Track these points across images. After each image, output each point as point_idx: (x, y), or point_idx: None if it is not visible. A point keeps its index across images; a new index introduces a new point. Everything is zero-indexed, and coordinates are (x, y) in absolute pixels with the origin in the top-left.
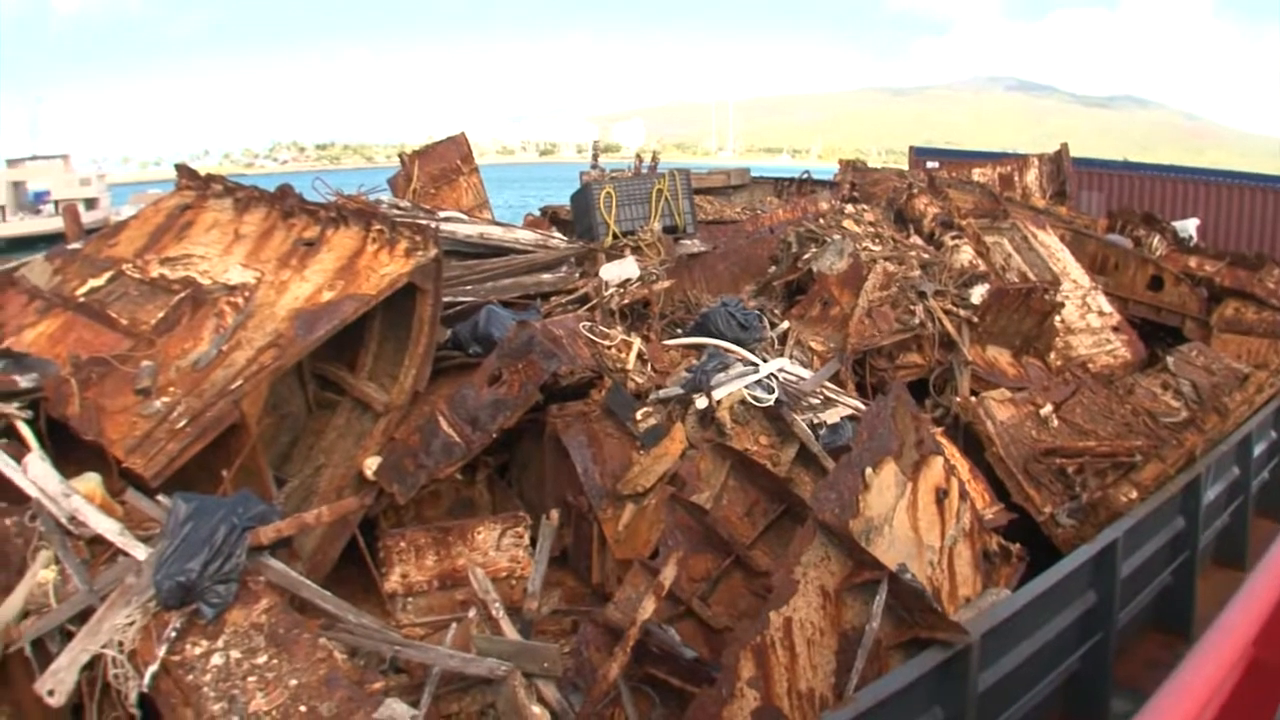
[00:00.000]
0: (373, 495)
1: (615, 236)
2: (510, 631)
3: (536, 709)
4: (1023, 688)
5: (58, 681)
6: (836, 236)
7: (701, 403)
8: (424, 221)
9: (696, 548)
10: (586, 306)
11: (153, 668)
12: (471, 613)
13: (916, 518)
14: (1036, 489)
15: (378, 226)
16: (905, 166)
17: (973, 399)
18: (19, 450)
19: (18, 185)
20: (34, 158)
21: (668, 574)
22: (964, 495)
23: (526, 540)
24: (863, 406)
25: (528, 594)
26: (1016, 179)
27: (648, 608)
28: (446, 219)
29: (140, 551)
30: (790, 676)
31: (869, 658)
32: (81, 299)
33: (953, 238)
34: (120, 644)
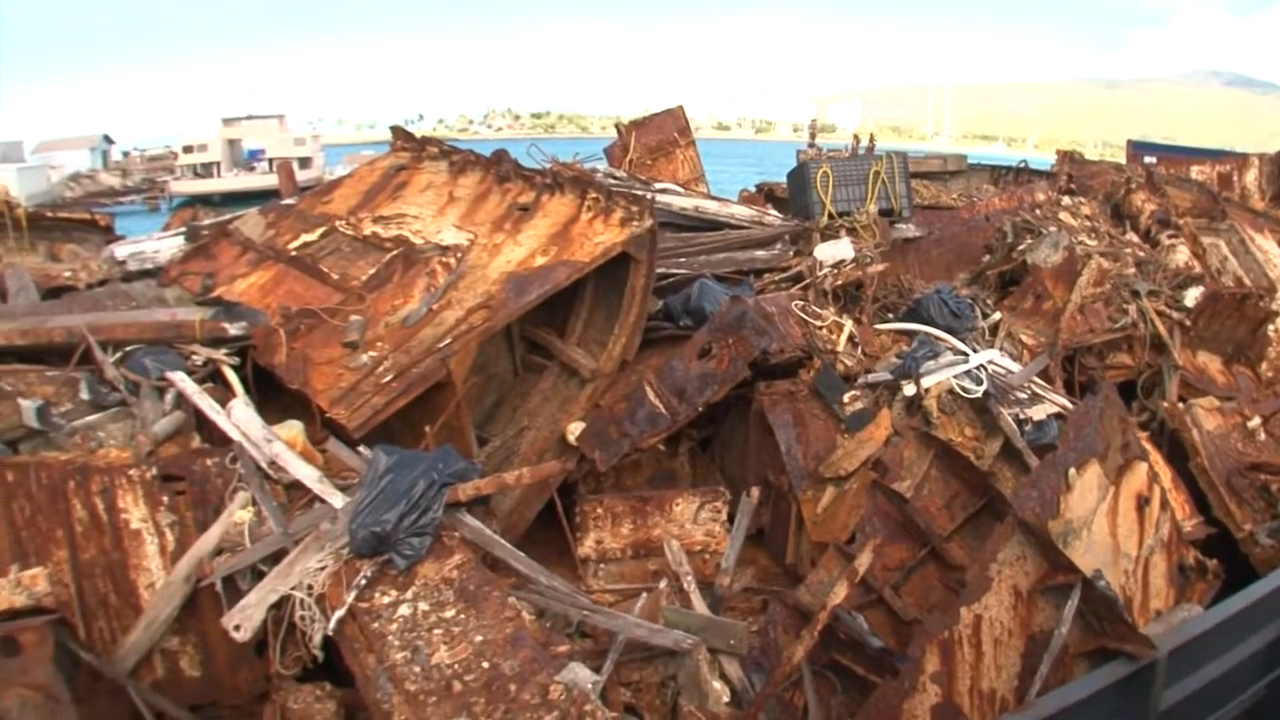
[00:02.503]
0: (574, 460)
1: (831, 217)
2: (700, 605)
3: (717, 684)
4: (1205, 710)
5: (245, 618)
6: (1052, 229)
7: (909, 390)
8: (640, 192)
9: (894, 536)
10: (799, 285)
11: (340, 612)
12: (663, 584)
13: (1116, 524)
14: (1238, 504)
15: (593, 194)
16: (1122, 160)
17: (1180, 405)
18: (224, 395)
19: (233, 143)
20: (249, 117)
21: (863, 560)
22: (1165, 505)
23: (724, 515)
24: (1070, 405)
25: (721, 569)
26: (1235, 179)
27: (840, 593)
28: (662, 190)
29: (337, 499)
30: (974, 675)
31: (1054, 663)
32: (293, 253)
33: (1169, 237)
34: (310, 587)
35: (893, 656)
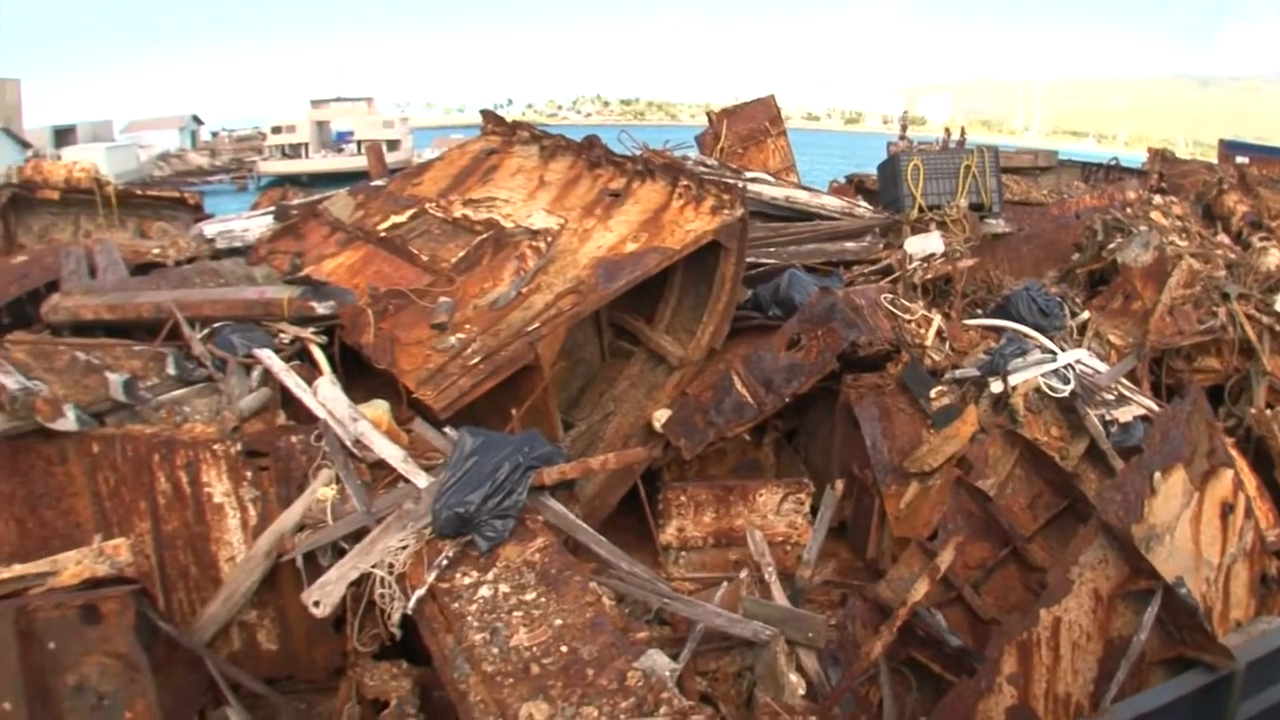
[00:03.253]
0: (660, 447)
1: (921, 210)
2: (780, 597)
3: (794, 677)
4: None
5: (325, 594)
6: (1143, 228)
7: (996, 387)
8: (731, 180)
9: (975, 534)
10: (889, 278)
11: (420, 591)
12: (743, 574)
13: (1199, 530)
14: None
15: (685, 182)
16: (1214, 159)
17: (1268, 412)
18: (311, 373)
19: (322, 125)
20: (338, 99)
21: (945, 558)
22: (1249, 513)
23: (807, 508)
24: (1156, 407)
25: (802, 561)
26: None
27: (920, 590)
28: (753, 179)
29: (421, 479)
30: (1050, 678)
31: (1131, 670)
32: (383, 234)
33: (1261, 239)
34: (391, 565)
35: (970, 656)
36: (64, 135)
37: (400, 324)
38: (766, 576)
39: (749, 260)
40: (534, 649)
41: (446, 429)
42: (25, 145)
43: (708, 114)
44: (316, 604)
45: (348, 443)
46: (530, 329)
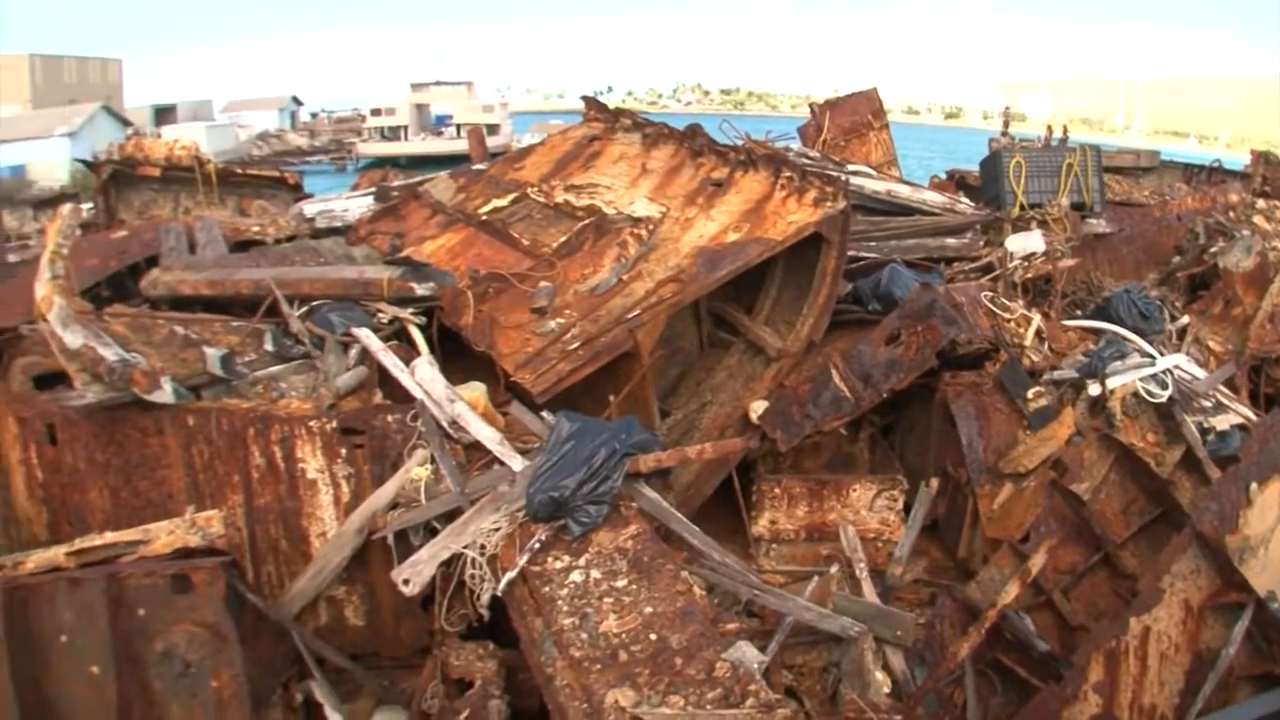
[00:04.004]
0: (757, 439)
1: (1022, 208)
2: (870, 593)
3: (879, 675)
4: None
5: (415, 572)
6: (1245, 232)
7: (1094, 389)
8: (834, 173)
9: (1068, 538)
10: (989, 276)
11: (511, 574)
12: (834, 568)
13: None
14: None
15: (787, 174)
16: None
17: None
18: (408, 354)
19: (421, 108)
20: (438, 83)
21: (1037, 561)
22: None
23: (900, 504)
24: (1254, 416)
25: (893, 559)
26: None
27: (1010, 592)
28: (855, 173)
29: (517, 463)
30: (1136, 688)
31: (1218, 684)
32: (484, 217)
33: None
34: (483, 547)
35: (1057, 662)
36: (164, 114)
37: (500, 307)
38: (858, 572)
39: (849, 254)
40: (623, 636)
41: (544, 413)
42: (126, 123)
43: (810, 106)
44: (406, 582)
45: (444, 423)
46: (630, 316)
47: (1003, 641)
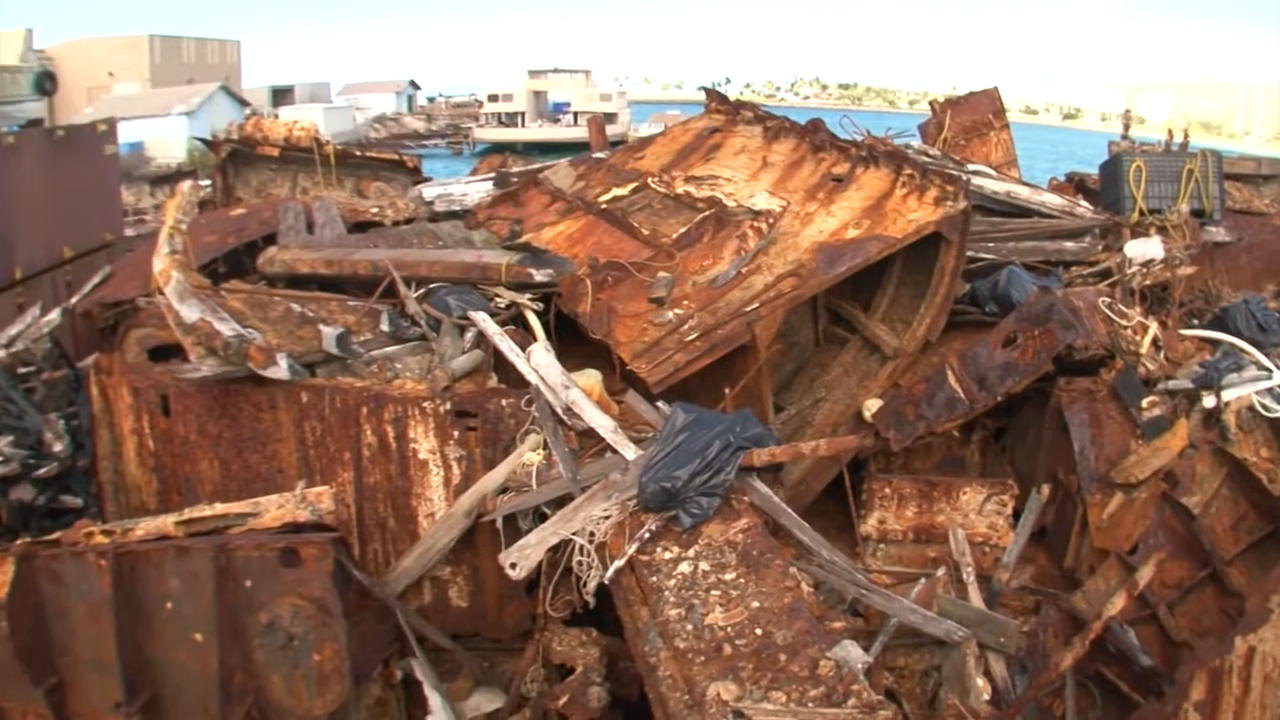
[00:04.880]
0: (870, 437)
1: (1141, 213)
2: (976, 598)
3: (980, 681)
4: None
5: (523, 557)
6: None
7: (1209, 401)
8: (955, 172)
9: (1176, 552)
10: (1107, 281)
11: (619, 562)
12: (940, 571)
13: None
14: None
15: (909, 171)
16: None
17: None
18: (524, 339)
19: (539, 94)
20: (556, 70)
21: (1145, 574)
22: None
23: (1009, 510)
24: None
25: (1000, 564)
26: None
27: (1116, 604)
28: (975, 172)
29: (630, 451)
30: (1238, 710)
31: None
32: (603, 205)
33: None
34: (591, 534)
35: (1159, 677)
36: (282, 95)
37: (618, 296)
38: (965, 576)
39: (968, 254)
40: (728, 629)
41: (659, 403)
42: (243, 103)
43: (930, 103)
44: (513, 566)
45: (558, 409)
46: (749, 309)
47: (1105, 654)
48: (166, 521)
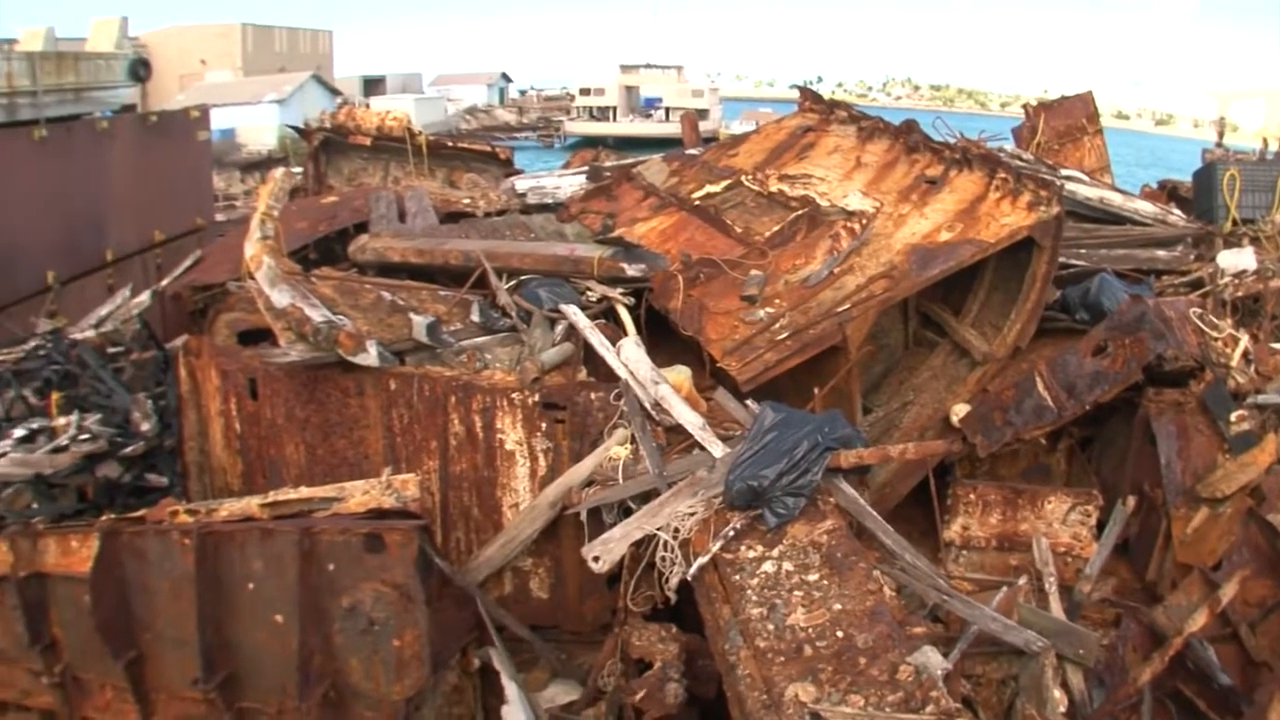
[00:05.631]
0: (958, 442)
1: (1235, 223)
2: (1057, 609)
3: (1058, 693)
4: None
5: (606, 550)
6: None
7: None
8: (1048, 176)
9: (1260, 570)
10: (1198, 292)
11: (703, 559)
12: (1022, 580)
13: None
14: None
15: (1002, 174)
16: None
17: None
18: (615, 333)
19: (630, 90)
20: (648, 66)
21: (1228, 591)
22: None
23: (1093, 520)
24: None
25: (1082, 575)
26: None
27: (1197, 621)
28: (1068, 177)
29: (718, 449)
30: None
31: None
32: (696, 202)
33: None
34: (676, 530)
35: (1238, 697)
36: (373, 85)
37: (710, 293)
38: (1047, 586)
39: (1059, 260)
40: (809, 630)
41: (748, 401)
42: (335, 92)
43: (1024, 107)
44: (596, 559)
45: (646, 405)
46: (840, 310)
47: (1184, 671)
48: (251, 503)
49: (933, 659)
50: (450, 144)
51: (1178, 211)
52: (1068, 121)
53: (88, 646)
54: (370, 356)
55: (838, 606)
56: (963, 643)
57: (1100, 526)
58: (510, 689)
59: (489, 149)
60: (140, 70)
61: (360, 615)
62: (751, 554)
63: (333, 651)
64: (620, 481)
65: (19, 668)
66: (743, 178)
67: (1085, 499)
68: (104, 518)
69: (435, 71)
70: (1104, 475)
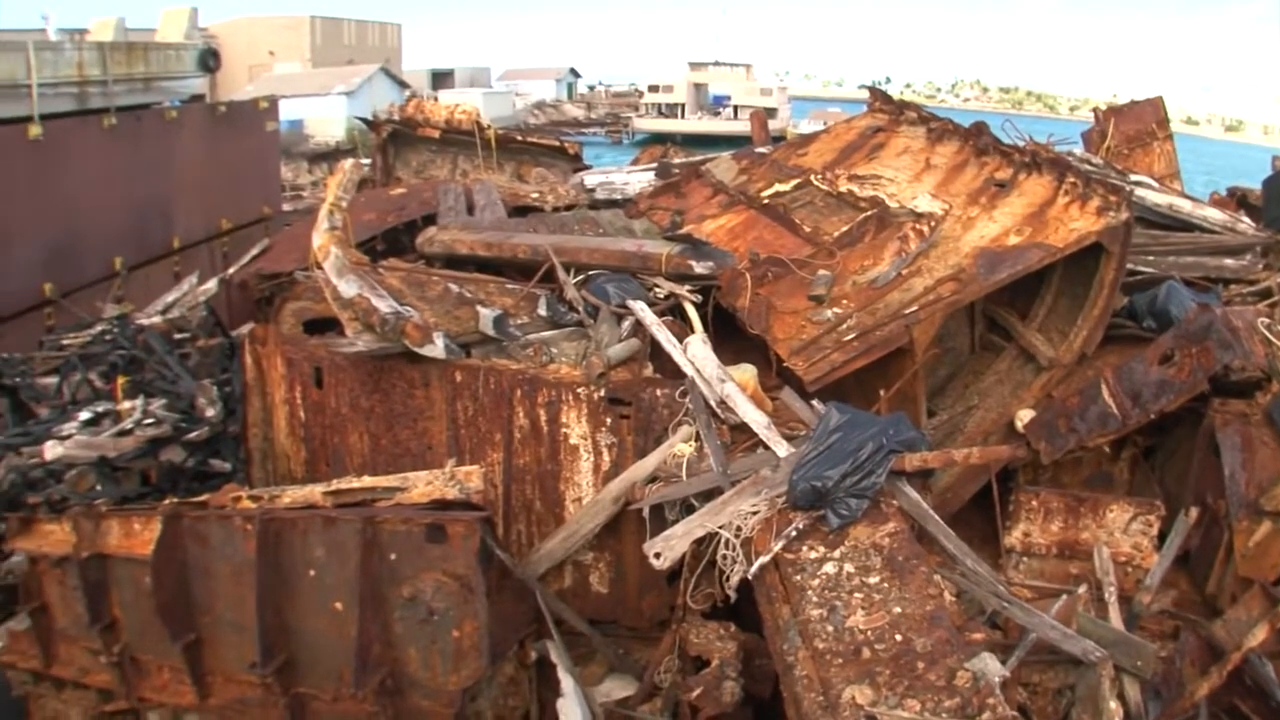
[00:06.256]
0: (1023, 448)
1: None
2: (1116, 619)
3: (1113, 704)
4: None
5: (668, 547)
6: None
7: None
8: (1118, 182)
9: None
10: (1266, 302)
11: (764, 559)
12: (1082, 589)
13: None
14: None
15: (1072, 179)
16: None
17: None
18: (682, 330)
19: (699, 87)
20: (716, 63)
21: None
22: None
23: (1155, 531)
24: None
25: (1142, 586)
26: None
27: (1257, 636)
28: (1137, 183)
29: (782, 448)
30: None
31: None
32: (765, 200)
33: None
34: (738, 529)
35: None
36: (441, 78)
37: (777, 292)
38: (1106, 596)
39: (1127, 266)
40: (869, 633)
41: (813, 401)
42: (403, 85)
43: (1093, 111)
44: (658, 555)
45: (712, 402)
46: (908, 312)
47: (1242, 686)
48: (314, 491)
49: (991, 665)
50: (519, 138)
51: (1247, 219)
52: (1137, 126)
53: (147, 628)
54: (437, 348)
55: (897, 610)
56: (1021, 650)
57: (1162, 537)
58: (566, 682)
59: (558, 144)
60: (210, 61)
61: (420, 605)
62: (813, 555)
63: (391, 640)
64: (684, 479)
65: (78, 646)
66: (812, 177)
67: (1147, 509)
68: (167, 501)
69: (503, 66)
70: (1167, 485)
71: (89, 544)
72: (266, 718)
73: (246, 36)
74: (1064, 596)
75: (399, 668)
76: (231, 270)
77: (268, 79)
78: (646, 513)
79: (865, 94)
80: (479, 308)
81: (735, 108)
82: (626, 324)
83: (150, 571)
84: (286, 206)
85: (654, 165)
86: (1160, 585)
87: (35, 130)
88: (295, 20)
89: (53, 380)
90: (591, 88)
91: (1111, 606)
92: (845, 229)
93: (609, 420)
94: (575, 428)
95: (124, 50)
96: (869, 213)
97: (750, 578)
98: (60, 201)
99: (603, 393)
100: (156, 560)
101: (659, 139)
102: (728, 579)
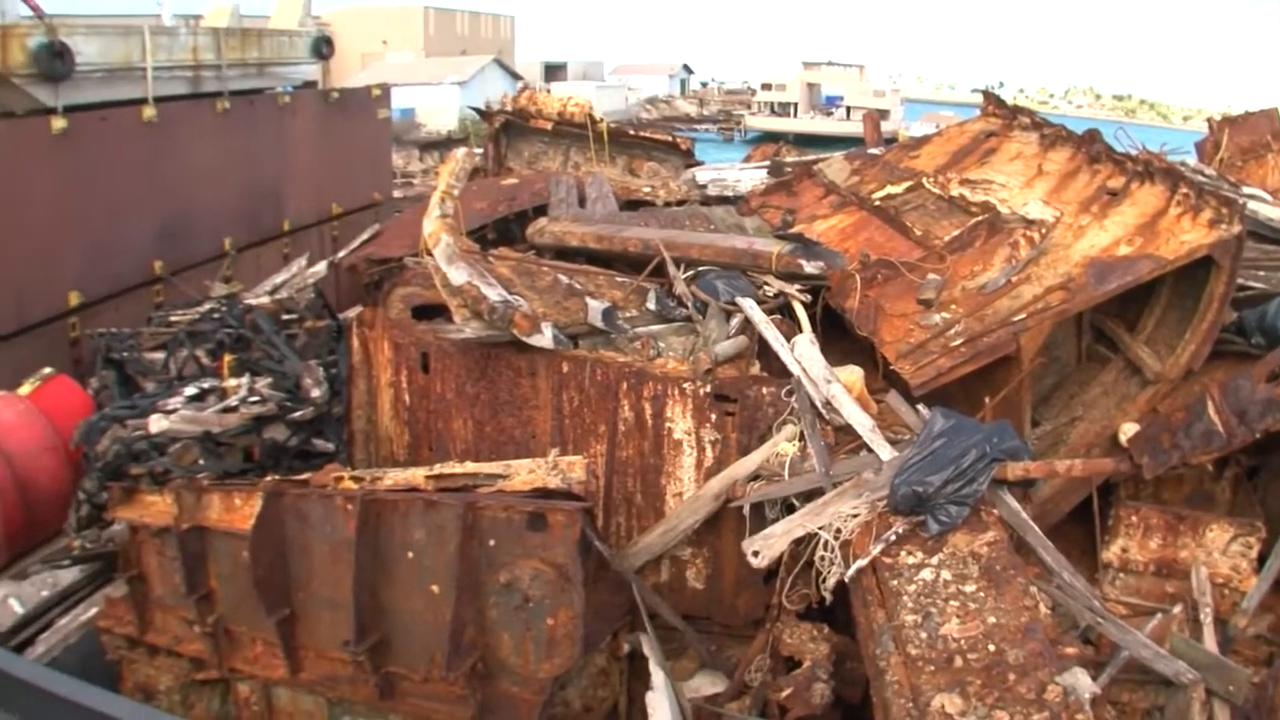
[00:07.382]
0: (1125, 462)
1: None
2: (1211, 642)
3: None
4: None
5: (767, 545)
6: None
7: None
8: (1230, 194)
9: None
10: None
11: (862, 562)
12: (1177, 609)
13: None
14: None
15: (1185, 189)
16: None
17: None
18: (790, 329)
19: (812, 87)
20: (830, 63)
21: None
22: None
23: (1255, 553)
24: None
25: (1239, 609)
26: None
27: None
28: (1250, 196)
29: (885, 451)
30: None
31: None
32: (877, 202)
33: None
34: (838, 531)
35: None
36: (554, 71)
37: (886, 294)
38: (1202, 617)
39: (1237, 281)
40: (962, 641)
41: (919, 406)
42: (515, 77)
43: (1208, 121)
44: (756, 554)
45: (817, 403)
46: (1016, 319)
47: None
48: (416, 474)
49: (1082, 681)
50: (631, 132)
51: None
52: (1252, 138)
53: (242, 601)
54: (545, 338)
55: (992, 620)
56: (1113, 667)
57: (1261, 559)
58: (657, 676)
59: (670, 139)
60: (323, 48)
61: (516, 592)
62: (911, 560)
63: (485, 625)
64: (786, 478)
65: (173, 615)
66: (924, 180)
67: (1248, 530)
68: (269, 478)
69: (616, 60)
70: (1269, 507)
71: (189, 516)
72: (356, 694)
73: (360, 25)
74: (1159, 615)
75: (491, 653)
76: (341, 254)
77: (380, 67)
78: (747, 510)
79: (978, 98)
80: (588, 299)
81: (848, 108)
82: (735, 321)
83: (249, 546)
84: (397, 193)
85: (766, 163)
86: (1257, 609)
87: (149, 112)
88: (409, 10)
89: (160, 355)
90: (704, 84)
91: (1206, 628)
92: (956, 233)
93: (714, 416)
94: (680, 422)
95: (238, 35)
96: (980, 218)
97: (847, 580)
98: (172, 182)
99: (708, 388)
100: (256, 535)
101: (771, 137)
102: (824, 580)
